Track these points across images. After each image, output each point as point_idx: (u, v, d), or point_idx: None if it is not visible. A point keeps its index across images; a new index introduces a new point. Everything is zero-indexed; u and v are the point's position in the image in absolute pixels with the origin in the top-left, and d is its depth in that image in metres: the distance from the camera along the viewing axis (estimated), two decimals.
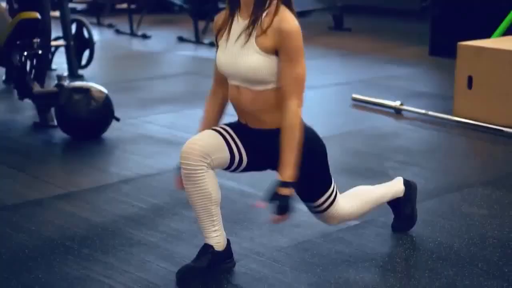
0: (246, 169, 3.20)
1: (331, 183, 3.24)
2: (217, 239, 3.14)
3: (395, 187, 3.57)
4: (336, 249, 3.46)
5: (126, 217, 3.83)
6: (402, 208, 3.60)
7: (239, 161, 3.11)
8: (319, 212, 3.29)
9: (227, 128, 3.13)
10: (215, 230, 3.13)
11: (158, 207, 3.97)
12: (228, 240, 3.20)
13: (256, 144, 3.11)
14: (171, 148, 5.00)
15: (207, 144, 3.01)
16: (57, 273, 3.20)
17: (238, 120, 3.18)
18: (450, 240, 3.56)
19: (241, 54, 2.98)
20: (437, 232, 3.65)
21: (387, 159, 4.81)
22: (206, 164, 3.00)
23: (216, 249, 3.13)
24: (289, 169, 2.95)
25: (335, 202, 3.27)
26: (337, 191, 3.29)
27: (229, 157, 3.08)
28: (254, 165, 3.19)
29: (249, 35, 2.96)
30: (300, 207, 3.93)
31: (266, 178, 4.40)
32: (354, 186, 4.27)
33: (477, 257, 3.38)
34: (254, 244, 3.50)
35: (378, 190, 3.51)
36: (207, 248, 3.13)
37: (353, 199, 3.39)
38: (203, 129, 3.17)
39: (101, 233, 3.63)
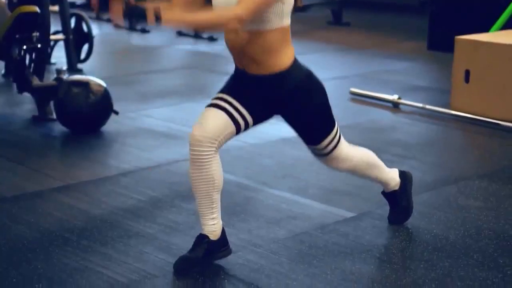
0: (254, 125, 3.22)
1: (334, 125, 3.28)
2: (213, 227, 3.18)
3: (391, 174, 3.60)
4: (333, 240, 3.49)
5: (124, 209, 3.85)
6: (398, 201, 3.63)
7: (245, 126, 3.15)
8: (323, 155, 3.32)
9: (226, 96, 3.13)
10: (212, 218, 3.18)
11: (156, 199, 3.99)
12: (223, 229, 3.23)
13: (258, 95, 3.13)
14: (169, 141, 5.03)
15: (213, 127, 3.06)
16: (55, 264, 3.22)
17: (235, 69, 3.18)
18: (446, 232, 3.59)
19: None
20: (433, 224, 3.68)
21: (385, 152, 4.82)
22: (214, 149, 3.07)
23: (211, 238, 3.17)
24: None
25: (338, 145, 3.31)
26: (341, 135, 3.34)
27: (235, 128, 3.13)
28: (260, 118, 3.21)
29: None
30: (297, 200, 3.98)
31: (264, 171, 4.44)
32: (353, 179, 4.30)
33: (472, 248, 3.41)
34: (252, 236, 3.53)
35: (379, 162, 3.53)
36: (202, 238, 3.18)
37: (357, 151, 3.44)
38: None
39: (99, 225, 3.65)
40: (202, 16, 2.96)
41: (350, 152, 3.39)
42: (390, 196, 3.63)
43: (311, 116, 3.18)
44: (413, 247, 3.43)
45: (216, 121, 3.08)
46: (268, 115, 3.22)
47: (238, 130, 3.14)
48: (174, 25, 3.05)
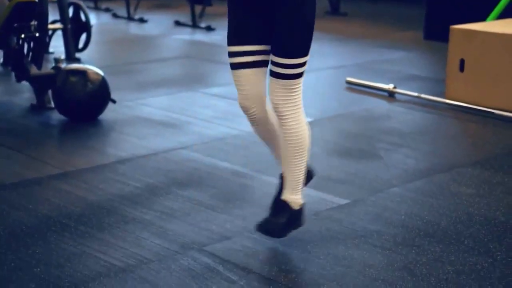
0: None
1: (307, 54, 3.15)
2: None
3: (302, 183, 3.33)
4: (326, 226, 3.54)
5: (121, 196, 3.91)
6: (282, 214, 3.31)
7: (268, 54, 3.16)
8: (282, 76, 3.10)
9: (238, 48, 3.13)
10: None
11: (153, 186, 4.05)
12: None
13: (255, 15, 3.11)
14: (167, 129, 5.08)
15: (252, 88, 3.16)
16: (53, 249, 3.28)
17: None
18: (437, 218, 3.64)
19: None
20: (426, 211, 3.74)
21: (379, 140, 4.88)
22: (264, 107, 3.19)
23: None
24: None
25: (300, 80, 3.15)
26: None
27: (265, 66, 3.17)
28: (268, 36, 3.15)
29: None
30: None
31: (260, 159, 4.49)
32: (347, 167, 4.38)
33: (463, 234, 3.47)
34: (247, 222, 3.58)
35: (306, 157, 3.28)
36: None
37: (306, 124, 3.24)
38: None
39: (97, 211, 3.71)
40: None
41: (301, 109, 3.17)
42: (282, 205, 3.32)
43: (296, 25, 3.06)
44: (405, 233, 3.48)
45: (250, 81, 3.14)
46: (270, 29, 3.13)
47: (267, 63, 3.17)
48: None
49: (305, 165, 3.26)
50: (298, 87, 3.14)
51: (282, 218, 3.28)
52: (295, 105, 3.14)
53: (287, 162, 3.24)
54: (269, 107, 3.24)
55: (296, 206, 3.29)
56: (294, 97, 3.13)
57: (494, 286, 2.99)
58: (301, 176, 3.27)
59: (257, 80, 3.16)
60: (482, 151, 4.74)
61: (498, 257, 3.24)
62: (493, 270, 3.12)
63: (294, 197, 3.29)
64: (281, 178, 3.34)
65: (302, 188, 3.31)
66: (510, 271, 3.11)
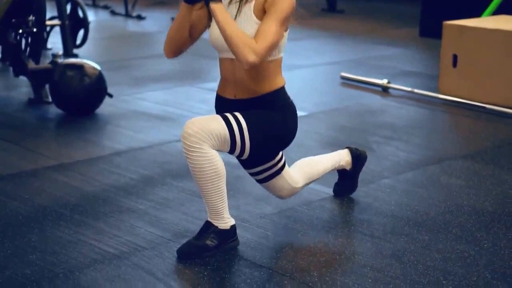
0: None
1: (274, 158, 3.37)
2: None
3: (338, 158, 3.73)
4: (317, 216, 3.61)
5: (117, 186, 3.97)
6: (346, 178, 3.80)
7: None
8: (266, 180, 3.43)
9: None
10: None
11: (148, 177, 4.11)
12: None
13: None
14: (163, 123, 5.14)
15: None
16: (49, 237, 3.34)
17: (217, 99, 3.32)
18: (427, 208, 3.71)
19: (239, 25, 3.07)
20: (415, 201, 3.80)
21: (372, 134, 4.95)
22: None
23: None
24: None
25: (278, 175, 3.41)
26: (285, 166, 3.44)
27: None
28: None
29: (240, 3, 3.08)
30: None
31: None
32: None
33: (452, 223, 3.54)
34: (240, 212, 3.65)
35: (323, 163, 3.63)
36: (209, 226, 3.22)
37: (298, 172, 3.54)
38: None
39: (92, 201, 3.77)
40: (232, 26, 3.00)
41: (294, 177, 3.49)
42: (340, 171, 3.80)
43: (263, 136, 3.17)
44: (394, 222, 3.55)
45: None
46: None
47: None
48: (215, 13, 3.01)
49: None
50: (279, 178, 3.43)
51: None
52: (289, 184, 3.49)
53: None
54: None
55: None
56: (282, 182, 3.45)
57: (480, 273, 3.05)
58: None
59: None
60: (473, 144, 4.80)
61: (485, 245, 3.31)
62: (480, 258, 3.18)
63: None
64: None
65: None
66: (496, 259, 3.17)
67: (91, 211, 3.64)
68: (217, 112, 3.29)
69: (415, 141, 4.82)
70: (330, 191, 3.91)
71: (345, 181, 3.81)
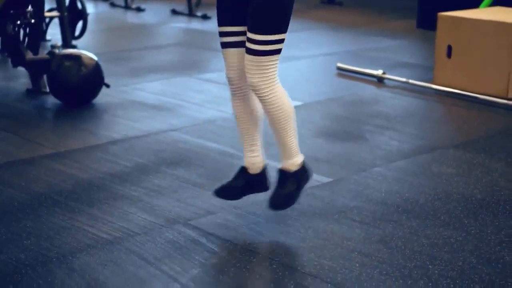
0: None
1: (284, 32, 3.21)
2: (253, 159, 3.45)
3: (296, 148, 3.43)
4: (309, 203, 3.66)
5: (112, 174, 4.03)
6: (287, 183, 3.43)
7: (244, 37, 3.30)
8: (254, 52, 3.18)
9: (224, 28, 3.31)
10: (252, 150, 3.45)
11: (143, 165, 4.17)
12: (265, 168, 3.49)
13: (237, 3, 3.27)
14: (159, 113, 5.20)
15: (237, 62, 3.31)
16: (44, 223, 3.41)
17: None
18: (416, 196, 3.77)
19: None
20: (405, 189, 3.86)
21: (365, 123, 5.00)
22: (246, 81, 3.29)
23: (250, 171, 3.45)
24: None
25: (273, 57, 3.21)
26: (278, 59, 3.27)
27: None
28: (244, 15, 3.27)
29: None
30: (276, 166, 4.14)
31: None
32: (332, 148, 4.49)
33: (440, 210, 3.59)
34: None
35: (294, 126, 3.39)
36: (242, 170, 3.47)
37: (285, 95, 3.32)
38: None
39: (87, 188, 3.83)
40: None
41: (276, 82, 3.25)
42: (282, 174, 3.44)
43: (267, 2, 3.14)
44: (384, 209, 3.60)
45: (235, 58, 3.31)
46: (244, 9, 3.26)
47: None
48: None
49: (293, 131, 3.40)
50: (272, 64, 3.22)
51: (289, 187, 3.43)
52: (270, 81, 3.22)
53: (278, 134, 3.38)
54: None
55: (295, 167, 3.43)
56: (268, 74, 3.21)
57: (466, 258, 3.11)
58: (293, 140, 3.40)
59: (241, 58, 3.31)
60: (465, 134, 4.85)
61: (472, 231, 3.36)
62: (466, 243, 3.24)
63: (292, 160, 3.43)
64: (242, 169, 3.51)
65: (297, 149, 3.45)
66: (482, 245, 3.23)
67: (85, 198, 3.70)
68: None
69: (408, 131, 4.87)
70: (322, 178, 3.97)
71: (283, 187, 3.44)
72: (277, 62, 3.26)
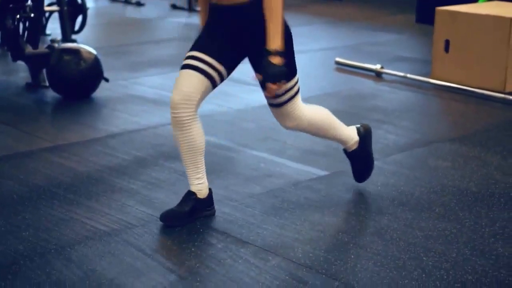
0: (229, 74, 3.34)
1: (294, 75, 3.33)
2: (199, 186, 3.39)
3: (348, 132, 3.68)
4: (305, 196, 3.69)
5: (110, 167, 4.06)
6: (358, 159, 3.73)
7: (219, 77, 3.29)
8: (276, 105, 3.36)
9: (196, 53, 3.27)
10: (198, 178, 3.38)
11: (141, 158, 4.20)
12: (210, 190, 3.44)
13: (224, 36, 3.25)
14: (158, 107, 5.23)
15: (189, 88, 3.23)
16: (42, 215, 3.44)
17: (209, 8, 3.31)
18: (412, 189, 3.79)
19: None
20: (401, 182, 3.89)
21: (363, 117, 5.02)
22: (193, 110, 3.26)
23: (198, 196, 3.38)
24: (276, 39, 3.11)
25: (294, 100, 3.36)
26: (299, 93, 3.40)
27: (212, 84, 3.29)
28: (231, 64, 3.32)
29: None
30: (275, 160, 4.18)
31: (245, 134, 4.64)
32: (329, 141, 4.49)
33: (435, 203, 3.62)
34: (228, 191, 3.73)
35: (335, 122, 3.61)
36: (189, 195, 3.39)
37: (314, 110, 3.51)
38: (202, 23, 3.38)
39: (85, 181, 3.86)
40: (280, 25, 3.14)
41: (305, 112, 3.44)
42: (351, 155, 3.74)
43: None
44: (379, 202, 3.63)
45: (191, 82, 3.24)
46: (237, 58, 3.31)
47: (214, 84, 3.29)
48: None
49: (337, 123, 3.62)
50: (296, 106, 3.39)
51: (359, 161, 3.72)
52: (300, 117, 3.44)
53: (328, 137, 3.65)
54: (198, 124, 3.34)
55: (355, 145, 3.72)
56: (296, 114, 3.41)
57: (460, 250, 3.14)
58: (343, 130, 3.65)
59: (197, 84, 3.24)
60: (461, 128, 4.88)
61: (467, 223, 3.39)
62: (460, 235, 3.27)
63: (350, 144, 3.70)
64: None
65: (348, 133, 3.67)
66: (476, 236, 3.26)
67: (84, 190, 3.74)
68: (209, 24, 3.32)
69: (405, 125, 4.90)
70: (318, 172, 4.00)
71: (357, 164, 3.75)
72: (299, 99, 3.38)
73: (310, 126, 3.51)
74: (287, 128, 3.50)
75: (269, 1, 3.10)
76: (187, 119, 3.27)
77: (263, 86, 3.23)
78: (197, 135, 3.31)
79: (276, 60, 3.11)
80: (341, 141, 3.68)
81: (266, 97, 3.35)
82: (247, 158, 4.23)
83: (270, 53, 3.11)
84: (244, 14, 3.21)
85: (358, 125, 3.77)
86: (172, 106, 3.26)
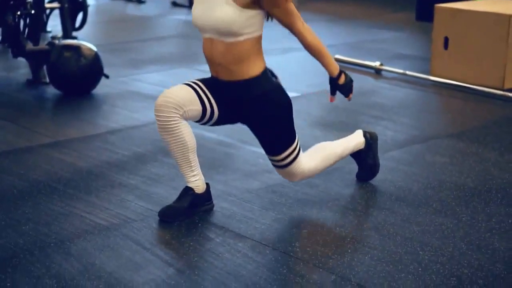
0: (217, 122, 3.41)
1: (295, 139, 3.43)
2: (196, 182, 3.41)
3: (355, 140, 3.76)
4: (303, 191, 3.72)
5: (110, 163, 4.09)
6: (364, 159, 3.81)
7: (210, 114, 3.34)
8: (281, 167, 3.47)
9: (199, 83, 3.35)
10: (194, 175, 3.40)
11: (141, 154, 4.23)
12: (207, 184, 3.47)
13: (227, 98, 3.34)
14: None
15: (179, 96, 3.24)
16: (42, 210, 3.46)
17: (211, 74, 3.40)
18: (409, 184, 3.82)
19: (214, 6, 3.18)
20: (399, 177, 3.91)
21: (362, 114, 5.05)
22: (179, 116, 3.25)
23: (196, 191, 3.40)
24: (333, 67, 3.51)
25: (297, 159, 3.46)
26: (301, 149, 3.49)
27: (201, 109, 3.31)
28: (225, 118, 3.41)
29: None
30: None
31: (245, 130, 4.65)
32: (327, 138, 4.52)
33: (432, 198, 3.65)
34: (227, 187, 3.76)
35: (339, 145, 3.69)
36: (187, 190, 3.41)
37: (314, 156, 3.58)
38: None
39: (85, 176, 3.89)
40: (330, 56, 3.54)
41: (308, 165, 3.52)
42: (356, 155, 3.81)
43: (273, 128, 3.35)
44: (377, 197, 3.66)
45: (183, 93, 3.26)
46: (233, 119, 3.41)
47: (204, 114, 3.30)
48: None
49: (342, 147, 3.71)
50: (299, 163, 3.47)
51: (366, 161, 3.83)
52: (304, 171, 3.51)
53: (338, 159, 3.73)
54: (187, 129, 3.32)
55: (362, 146, 3.83)
56: (301, 168, 3.49)
57: (456, 244, 3.16)
58: (350, 146, 3.75)
59: (185, 95, 3.25)
60: (460, 124, 4.90)
61: (463, 218, 3.42)
62: (457, 230, 3.30)
63: (358, 149, 3.81)
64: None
65: (355, 143, 3.77)
66: (473, 231, 3.29)
67: (83, 185, 3.76)
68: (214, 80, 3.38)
69: (403, 121, 4.93)
70: None
71: (363, 164, 3.82)
72: (300, 156, 3.47)
73: (317, 170, 3.60)
74: (295, 181, 3.66)
75: (313, 49, 3.47)
76: (172, 123, 3.26)
77: (265, 149, 3.46)
78: (186, 136, 3.30)
79: (342, 79, 3.55)
80: (352, 150, 3.78)
81: (271, 160, 3.47)
82: (246, 154, 4.25)
83: (336, 78, 3.53)
84: (239, 91, 3.29)
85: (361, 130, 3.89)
86: (156, 108, 3.27)
